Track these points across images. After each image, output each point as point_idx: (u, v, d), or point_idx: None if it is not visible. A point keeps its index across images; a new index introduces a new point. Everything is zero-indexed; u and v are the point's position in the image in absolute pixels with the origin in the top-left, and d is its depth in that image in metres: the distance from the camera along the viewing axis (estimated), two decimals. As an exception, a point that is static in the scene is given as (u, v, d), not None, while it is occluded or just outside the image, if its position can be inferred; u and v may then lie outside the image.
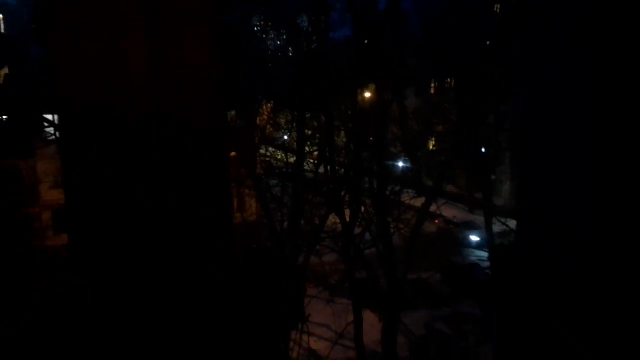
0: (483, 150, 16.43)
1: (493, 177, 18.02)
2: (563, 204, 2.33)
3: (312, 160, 17.02)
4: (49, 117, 16.56)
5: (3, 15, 19.18)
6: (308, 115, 15.35)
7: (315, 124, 15.83)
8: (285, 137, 17.97)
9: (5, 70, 21.00)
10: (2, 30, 21.37)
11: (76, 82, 1.18)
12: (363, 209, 16.35)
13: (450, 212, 19.76)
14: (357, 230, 16.17)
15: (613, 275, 2.07)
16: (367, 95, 15.73)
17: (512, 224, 16.53)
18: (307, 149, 16.07)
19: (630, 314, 1.99)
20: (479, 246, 19.87)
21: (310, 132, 16.03)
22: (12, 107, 19.11)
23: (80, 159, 1.21)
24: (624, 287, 2.02)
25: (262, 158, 16.54)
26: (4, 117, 20.71)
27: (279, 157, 17.22)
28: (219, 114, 1.29)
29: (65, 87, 1.19)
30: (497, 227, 16.93)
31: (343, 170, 16.24)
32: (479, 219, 19.29)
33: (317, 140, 16.50)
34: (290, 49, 17.52)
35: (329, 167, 16.01)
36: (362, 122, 15.40)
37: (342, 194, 15.59)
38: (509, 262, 2.91)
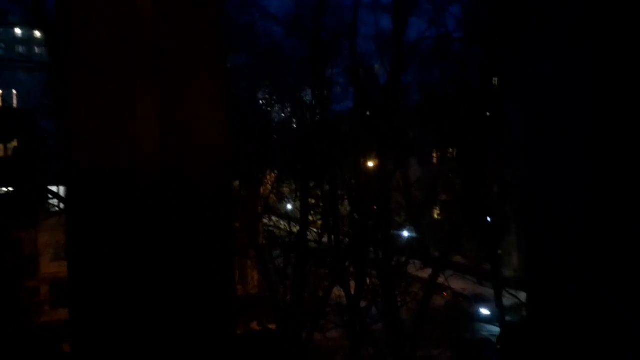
0: (488, 219, 16.24)
1: (500, 248, 17.66)
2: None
3: (315, 230, 16.85)
4: (54, 188, 16.73)
5: (17, 91, 19.95)
6: (311, 185, 15.39)
7: (319, 192, 15.83)
8: (289, 207, 17.92)
9: (15, 143, 21.51)
10: (15, 105, 22.14)
11: (88, 148, 1.16)
12: (368, 280, 15.95)
13: (458, 284, 19.23)
14: (363, 304, 15.69)
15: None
16: (370, 164, 15.83)
17: (523, 296, 16.00)
18: (310, 218, 15.96)
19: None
20: (489, 320, 19.12)
21: (313, 201, 16.00)
22: (19, 179, 19.35)
23: (87, 226, 1.19)
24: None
25: (265, 228, 16.38)
26: (11, 188, 20.92)
27: (282, 226, 17.08)
28: (226, 183, 1.30)
29: (78, 154, 1.17)
30: (507, 300, 16.35)
31: (347, 239, 16.02)
32: (489, 291, 18.69)
33: (320, 210, 16.43)
34: (294, 120, 17.91)
35: (332, 237, 15.81)
36: (366, 191, 15.39)
37: (347, 264, 15.27)
38: (519, 344, 2.67)
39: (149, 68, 1.16)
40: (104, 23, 1.12)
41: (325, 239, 16.27)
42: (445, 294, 19.75)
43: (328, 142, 14.37)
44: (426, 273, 15.85)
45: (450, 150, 19.55)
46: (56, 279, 21.48)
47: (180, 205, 1.20)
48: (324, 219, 16.28)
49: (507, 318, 16.19)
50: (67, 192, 1.34)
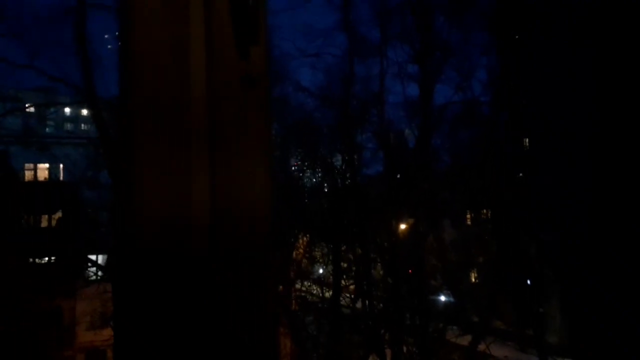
0: (528, 282, 15.69)
1: (541, 310, 16.88)
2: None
3: (348, 295, 16.58)
4: (92, 257, 17.24)
5: (64, 164, 21.09)
6: (343, 248, 15.35)
7: (351, 256, 15.74)
8: (321, 271, 17.79)
9: (59, 214, 22.49)
10: (61, 178, 23.34)
11: (145, 220, 1.21)
12: (405, 348, 15.39)
13: (500, 351, 18.23)
14: (400, 373, 15.05)
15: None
16: (402, 226, 15.76)
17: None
18: (343, 282, 15.78)
19: None
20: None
21: (345, 265, 15.87)
22: (62, 249, 20.03)
23: (137, 294, 1.24)
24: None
25: (297, 293, 16.25)
26: (54, 258, 21.62)
27: (315, 291, 16.88)
28: (269, 250, 1.33)
29: (134, 223, 1.23)
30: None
31: (381, 304, 15.66)
32: (533, 358, 17.65)
33: (353, 274, 16.25)
34: (325, 184, 18.20)
35: (366, 302, 15.50)
36: (399, 254, 15.21)
37: (382, 331, 14.84)
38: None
39: (204, 146, 1.24)
40: (164, 106, 1.23)
41: (359, 304, 15.95)
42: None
43: (358, 205, 14.48)
44: (466, 340, 15.19)
45: (484, 211, 19.30)
46: (91, 347, 21.58)
47: (227, 274, 1.24)
48: (356, 283, 16.05)
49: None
50: (118, 259, 1.37)
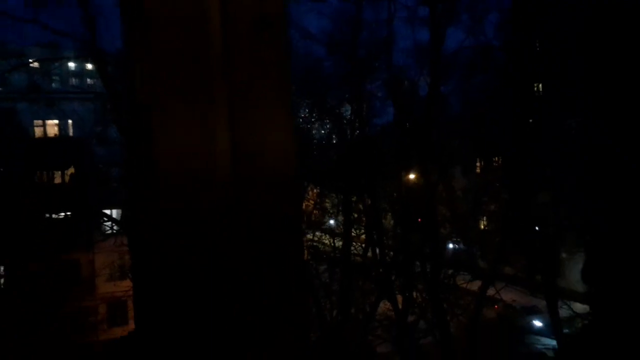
0: (537, 228, 15.75)
1: (554, 257, 17.03)
2: None
3: (360, 244, 16.82)
4: (108, 212, 17.51)
5: (72, 120, 21.12)
6: (353, 199, 15.42)
7: (361, 206, 15.83)
8: (332, 222, 17.98)
9: (71, 170, 22.71)
10: (71, 134, 23.42)
11: (167, 171, 1.19)
12: (416, 294, 15.73)
13: (509, 295, 18.60)
14: (411, 318, 15.46)
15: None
16: (412, 176, 15.74)
17: (579, 308, 15.33)
18: (353, 232, 15.96)
19: None
20: (542, 332, 18.40)
21: (356, 215, 16.00)
22: (76, 204, 20.37)
23: (154, 250, 1.22)
24: None
25: (309, 243, 16.51)
26: (68, 213, 22.04)
27: (326, 241, 17.12)
28: (295, 201, 1.32)
29: (152, 177, 1.21)
30: (562, 311, 15.73)
31: (392, 253, 15.90)
32: (542, 302, 18.01)
33: (363, 224, 16.40)
34: (334, 135, 18.08)
35: (377, 250, 15.74)
36: (409, 204, 15.28)
37: (392, 278, 15.13)
38: (582, 356, 2.65)
39: (222, 92, 1.21)
40: (179, 53, 1.19)
41: (369, 253, 16.21)
42: (496, 306, 19.18)
43: (368, 155, 14.41)
44: (475, 285, 15.48)
45: (495, 159, 19.16)
46: (112, 298, 22.35)
47: (249, 228, 1.23)
48: (367, 232, 16.24)
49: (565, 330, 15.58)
50: (132, 215, 1.37)
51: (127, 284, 20.99)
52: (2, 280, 17.65)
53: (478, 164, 20.42)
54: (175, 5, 1.18)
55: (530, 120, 14.95)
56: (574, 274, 20.03)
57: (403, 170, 15.47)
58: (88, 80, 48.25)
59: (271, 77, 1.28)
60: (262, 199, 1.25)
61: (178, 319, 1.20)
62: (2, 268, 18.01)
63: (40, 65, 20.39)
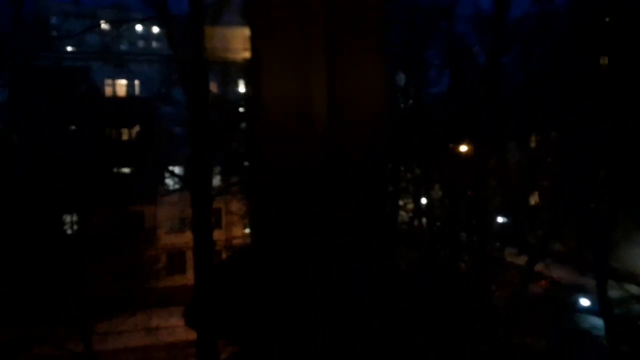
0: (592, 207, 15.33)
1: (607, 237, 16.58)
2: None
3: (407, 213, 17.03)
4: (171, 168, 18.60)
5: (140, 80, 22.26)
6: (402, 168, 15.56)
7: (409, 175, 15.97)
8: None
9: (137, 128, 24.07)
10: (137, 94, 24.70)
11: (270, 120, 1.25)
12: (462, 265, 15.85)
13: (557, 272, 18.34)
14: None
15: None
16: (464, 148, 15.64)
17: (634, 290, 14.93)
18: (401, 201, 16.17)
19: None
20: (590, 311, 18.08)
21: (404, 185, 16.17)
22: (142, 160, 21.71)
23: (265, 199, 1.29)
24: None
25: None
26: (134, 168, 23.52)
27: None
28: (383, 146, 1.30)
29: (263, 124, 1.28)
30: (612, 292, 15.41)
31: (438, 224, 16.02)
32: (591, 282, 17.67)
33: (411, 194, 16.55)
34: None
35: (424, 220, 15.92)
36: (459, 176, 15.26)
37: (438, 248, 15.31)
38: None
39: (321, 41, 1.27)
40: (286, 11, 1.29)
41: (416, 222, 16.41)
42: (542, 282, 19.00)
43: (421, 125, 14.45)
44: (523, 260, 15.41)
45: (553, 134, 18.60)
46: (172, 249, 23.92)
47: (345, 177, 1.28)
48: (415, 202, 16.40)
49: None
50: (252, 164, 1.41)
51: (187, 235, 22.35)
52: (75, 227, 19.27)
53: (535, 137, 19.87)
54: None
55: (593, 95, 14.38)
56: (630, 255, 19.40)
57: (455, 142, 15.40)
58: (154, 43, 50.06)
59: (367, 23, 1.31)
60: (355, 143, 1.30)
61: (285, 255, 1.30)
62: (75, 216, 19.63)
63: (111, 27, 21.48)
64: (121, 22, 18.64)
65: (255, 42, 1.33)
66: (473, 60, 16.49)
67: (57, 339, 12.68)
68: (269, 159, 1.30)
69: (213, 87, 17.05)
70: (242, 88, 23.58)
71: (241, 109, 19.86)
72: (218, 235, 19.05)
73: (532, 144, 19.95)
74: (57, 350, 12.59)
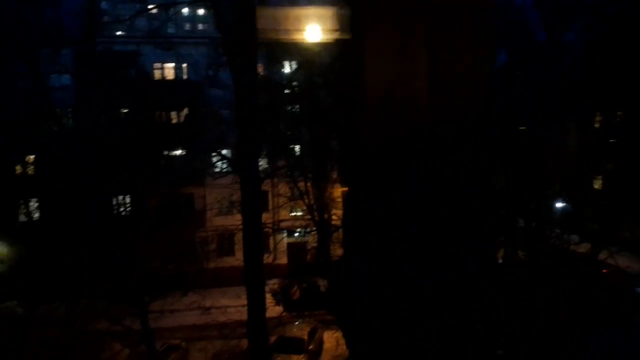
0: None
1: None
2: None
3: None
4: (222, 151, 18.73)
5: (187, 64, 22.45)
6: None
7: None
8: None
9: (186, 111, 24.41)
10: (185, 77, 24.97)
11: (372, 96, 1.28)
12: (519, 251, 15.28)
13: (622, 261, 17.37)
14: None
15: None
16: (521, 128, 14.90)
17: None
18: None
19: None
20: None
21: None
22: (191, 142, 22.04)
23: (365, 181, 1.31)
24: None
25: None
26: (183, 151, 23.95)
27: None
28: (484, 134, 1.32)
29: (362, 99, 1.30)
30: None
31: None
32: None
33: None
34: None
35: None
36: (516, 157, 14.58)
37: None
38: None
39: (421, 25, 1.27)
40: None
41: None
42: (605, 270, 18.08)
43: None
44: (584, 248, 14.66)
45: (618, 113, 17.47)
46: (223, 231, 24.34)
47: (448, 141, 1.28)
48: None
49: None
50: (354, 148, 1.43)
51: (236, 217, 22.62)
52: (129, 208, 19.84)
53: (598, 118, 18.75)
54: None
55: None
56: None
57: (511, 122, 14.67)
58: (199, 25, 50.55)
59: (470, 10, 1.29)
60: (455, 124, 1.30)
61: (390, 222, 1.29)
62: (128, 197, 20.20)
63: (158, 11, 21.64)
64: (170, 5, 18.72)
65: (359, 26, 1.31)
66: (532, 36, 15.59)
67: (115, 316, 13.14)
68: (371, 140, 1.29)
69: (259, 68, 16.94)
70: (287, 69, 23.42)
71: (286, 91, 19.72)
72: (266, 218, 19.17)
73: (596, 125, 18.85)
74: (114, 326, 13.05)
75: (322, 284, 20.91)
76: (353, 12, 1.33)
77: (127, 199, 19.92)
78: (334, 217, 18.49)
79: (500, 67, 16.28)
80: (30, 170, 21.45)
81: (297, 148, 21.82)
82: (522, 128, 14.80)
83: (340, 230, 17.51)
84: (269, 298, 16.72)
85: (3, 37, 15.57)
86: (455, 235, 1.29)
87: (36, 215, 20.47)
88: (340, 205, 17.67)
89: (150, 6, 20.46)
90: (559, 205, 16.51)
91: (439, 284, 1.26)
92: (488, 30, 1.31)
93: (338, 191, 17.89)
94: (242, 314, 15.91)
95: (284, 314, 19.75)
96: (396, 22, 1.26)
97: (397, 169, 1.28)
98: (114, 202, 19.70)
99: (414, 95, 1.26)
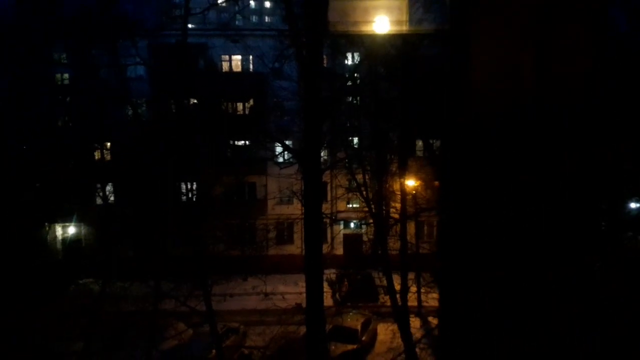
0: None
1: None
2: None
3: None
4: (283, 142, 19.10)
5: (254, 56, 23.02)
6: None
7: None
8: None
9: (251, 102, 25.07)
10: (251, 69, 25.61)
11: (480, 89, 1.29)
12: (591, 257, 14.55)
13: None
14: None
15: None
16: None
17: None
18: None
19: None
20: None
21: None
22: (255, 133, 22.63)
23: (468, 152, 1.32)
24: None
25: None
26: (247, 141, 24.64)
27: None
28: (589, 119, 1.31)
29: (468, 92, 1.31)
30: None
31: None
32: None
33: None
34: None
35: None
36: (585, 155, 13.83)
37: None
38: None
39: (531, 23, 1.28)
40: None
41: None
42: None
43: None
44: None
45: None
46: (282, 219, 24.92)
47: (552, 153, 1.29)
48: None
49: None
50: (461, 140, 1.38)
51: (294, 207, 23.08)
52: (195, 195, 20.73)
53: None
54: None
55: None
56: None
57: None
58: (266, 18, 51.50)
59: (580, 9, 1.30)
60: (563, 124, 1.31)
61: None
62: (195, 185, 21.09)
63: (227, 3, 22.28)
64: (237, -1, 19.09)
65: (463, 21, 1.33)
66: (614, 28, 14.67)
67: (181, 297, 13.83)
68: (477, 134, 1.29)
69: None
70: (350, 60, 23.41)
71: (349, 82, 19.75)
72: (324, 208, 19.42)
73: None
74: (181, 306, 13.73)
75: (377, 276, 20.94)
76: (455, 8, 1.32)
77: (194, 186, 20.82)
78: (392, 210, 18.40)
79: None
80: (107, 156, 22.89)
81: (355, 140, 21.87)
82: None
83: (398, 224, 17.41)
84: (325, 287, 16.98)
85: (87, 29, 16.67)
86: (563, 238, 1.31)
87: (111, 198, 21.83)
88: (398, 198, 17.55)
89: (220, 1, 21.13)
90: (633, 205, 15.56)
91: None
92: (599, 21, 1.31)
93: (397, 184, 17.79)
94: (300, 301, 16.28)
95: (338, 303, 19.97)
96: (505, 16, 1.27)
97: (505, 165, 1.28)
98: (183, 189, 20.63)
99: (523, 87, 1.27)
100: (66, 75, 23.89)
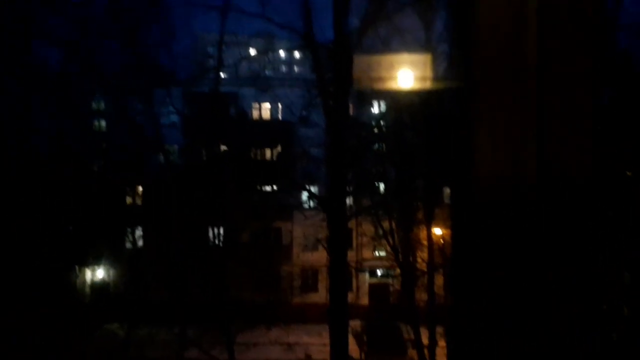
0: None
1: None
2: None
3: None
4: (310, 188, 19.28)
5: (282, 104, 23.66)
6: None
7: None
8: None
9: (279, 149, 25.52)
10: (280, 116, 26.26)
11: (483, 176, 1.32)
12: (625, 310, 13.90)
13: None
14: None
15: None
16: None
17: None
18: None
19: None
20: None
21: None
22: (282, 179, 22.93)
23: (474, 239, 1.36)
24: None
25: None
26: (275, 186, 24.93)
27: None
28: (591, 207, 1.30)
29: (472, 177, 1.35)
30: None
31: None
32: None
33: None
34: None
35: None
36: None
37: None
38: None
39: (533, 113, 1.29)
40: (501, 73, 1.31)
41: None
42: None
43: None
44: None
45: None
46: (307, 267, 24.72)
47: (555, 221, 1.28)
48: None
49: None
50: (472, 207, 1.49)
51: (319, 254, 22.91)
52: (222, 240, 20.86)
53: None
54: (499, 15, 1.28)
55: None
56: None
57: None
58: (295, 68, 53.10)
59: (581, 84, 1.31)
60: (564, 208, 1.29)
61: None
62: (222, 230, 21.28)
63: (258, 54, 23.15)
64: (268, 51, 19.91)
65: (469, 117, 1.34)
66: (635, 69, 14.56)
67: (205, 346, 13.72)
68: (482, 204, 1.28)
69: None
70: (375, 109, 23.76)
71: (375, 130, 19.97)
72: (350, 256, 19.20)
73: None
74: (204, 355, 13.61)
75: (405, 328, 20.32)
76: (462, 105, 1.38)
77: (221, 230, 20.99)
78: (419, 259, 18.06)
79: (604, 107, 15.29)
80: (139, 200, 23.45)
81: (381, 187, 21.86)
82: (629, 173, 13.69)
83: (426, 276, 17.05)
84: (349, 338, 16.60)
85: (124, 78, 17.54)
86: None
87: (140, 243, 22.17)
88: (425, 248, 17.29)
89: (252, 53, 22.00)
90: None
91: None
92: (598, 121, 1.34)
93: (424, 233, 17.55)
94: (324, 354, 15.88)
95: (364, 356, 19.37)
96: (507, 113, 1.31)
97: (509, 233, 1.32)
98: (210, 234, 20.83)
99: (523, 175, 1.31)
100: (103, 123, 24.94)
